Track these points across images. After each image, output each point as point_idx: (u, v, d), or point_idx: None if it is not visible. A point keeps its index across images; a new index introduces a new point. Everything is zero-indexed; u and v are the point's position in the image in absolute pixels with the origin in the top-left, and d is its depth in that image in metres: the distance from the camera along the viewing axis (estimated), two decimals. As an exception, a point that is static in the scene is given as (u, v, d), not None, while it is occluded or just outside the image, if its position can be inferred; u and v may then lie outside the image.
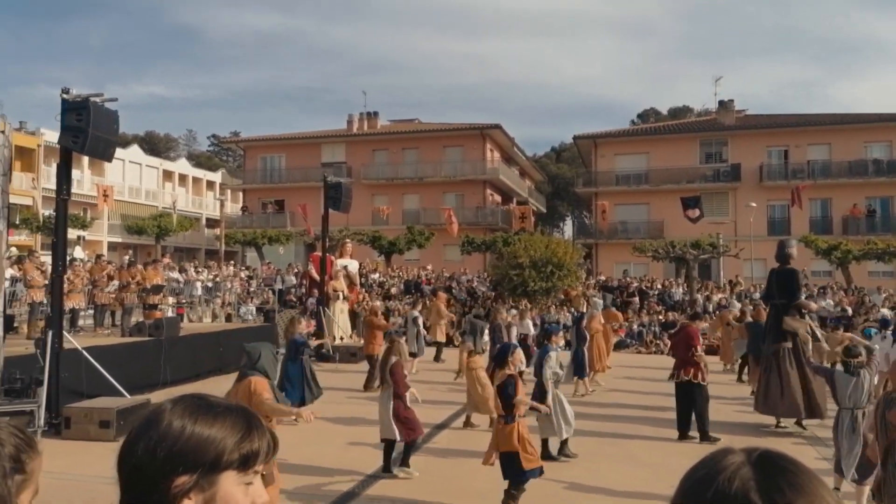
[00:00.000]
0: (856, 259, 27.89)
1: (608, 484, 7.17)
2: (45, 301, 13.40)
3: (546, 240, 25.07)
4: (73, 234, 29.93)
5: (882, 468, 4.69)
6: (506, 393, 6.29)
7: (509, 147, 45.83)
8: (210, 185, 54.96)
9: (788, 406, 9.74)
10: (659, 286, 26.09)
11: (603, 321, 14.18)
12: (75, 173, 42.25)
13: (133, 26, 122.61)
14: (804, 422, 10.08)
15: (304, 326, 11.40)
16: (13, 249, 20.72)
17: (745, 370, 14.26)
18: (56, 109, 9.21)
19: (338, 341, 17.57)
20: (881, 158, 36.34)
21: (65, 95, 9.25)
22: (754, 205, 32.58)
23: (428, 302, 17.88)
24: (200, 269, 27.49)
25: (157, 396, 9.43)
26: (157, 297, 15.72)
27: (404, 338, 16.27)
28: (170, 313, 16.94)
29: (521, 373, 7.69)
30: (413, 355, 15.33)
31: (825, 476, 6.30)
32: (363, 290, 23.90)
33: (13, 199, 30.54)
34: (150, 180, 49.50)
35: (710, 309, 22.40)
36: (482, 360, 10.09)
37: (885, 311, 20.46)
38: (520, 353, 7.31)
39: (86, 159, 37.58)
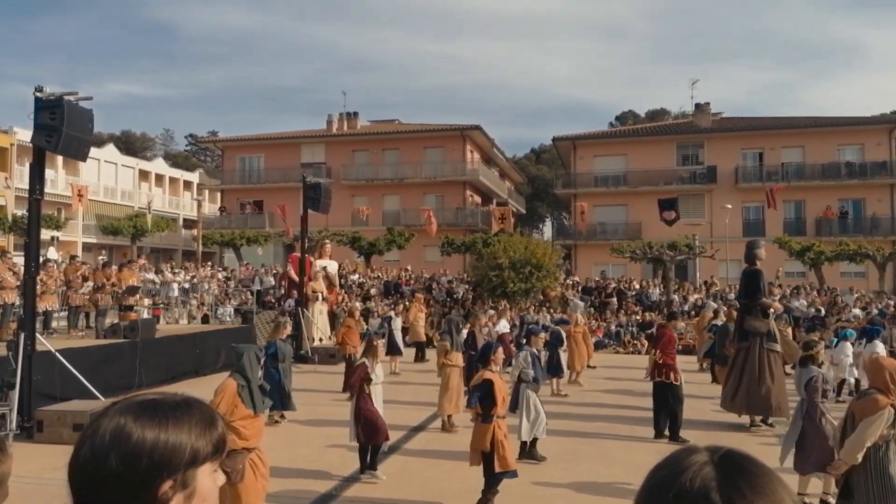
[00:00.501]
0: (828, 260, 28.41)
1: (584, 483, 7.23)
2: (17, 302, 13.18)
3: (525, 241, 25.19)
4: (46, 234, 29.43)
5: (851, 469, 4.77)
6: (482, 393, 6.32)
7: (489, 148, 45.97)
8: (187, 185, 54.39)
9: (753, 404, 9.90)
10: (636, 287, 26.35)
11: (582, 322, 14.32)
12: (49, 173, 41.59)
13: (108, 23, 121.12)
14: (770, 420, 10.26)
15: (287, 330, 11.34)
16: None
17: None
18: (29, 108, 9.08)
19: (317, 343, 17.51)
20: (853, 161, 37.05)
21: (38, 94, 9.11)
22: (730, 206, 33.05)
23: (408, 303, 17.90)
24: (177, 270, 27.22)
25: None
26: (132, 298, 15.53)
27: (383, 339, 16.36)
28: (145, 315, 16.76)
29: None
30: (392, 355, 15.36)
31: (790, 475, 6.42)
32: (342, 291, 23.82)
33: (-16, 199, 30.06)
34: (126, 180, 48.86)
35: (686, 309, 22.68)
36: (458, 358, 10.11)
37: (857, 311, 20.88)
38: (501, 353, 7.34)
39: (60, 158, 36.99)
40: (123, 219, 37.09)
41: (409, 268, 30.90)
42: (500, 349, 7.02)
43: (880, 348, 11.55)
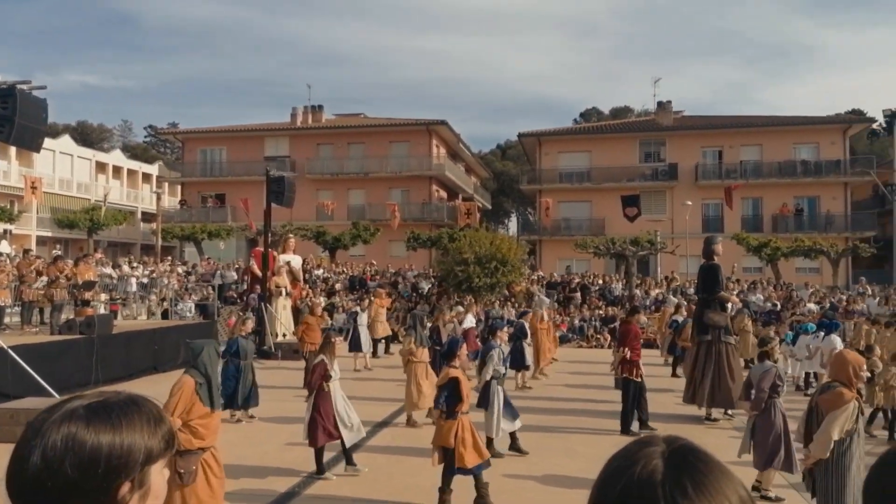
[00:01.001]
0: (784, 256, 29.18)
1: (550, 476, 7.31)
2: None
3: (491, 236, 25.28)
4: (-3, 227, 28.49)
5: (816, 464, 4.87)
6: (448, 392, 6.31)
7: (455, 143, 45.99)
8: (146, 177, 53.18)
9: (719, 398, 10.12)
10: (600, 282, 26.69)
11: (547, 319, 14.44)
12: (1, 164, 40.31)
13: (63, 11, 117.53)
14: (730, 412, 10.49)
15: (250, 326, 11.19)
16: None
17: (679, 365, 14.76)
18: (-22, 96, 8.76)
19: (280, 338, 17.33)
20: (808, 160, 38.09)
21: (-12, 82, 8.81)
22: (690, 203, 33.69)
23: (372, 298, 17.82)
24: (135, 265, 26.62)
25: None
26: (88, 293, 15.11)
27: (346, 335, 16.27)
28: (102, 310, 16.36)
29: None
30: (354, 352, 15.27)
31: (747, 468, 6.57)
32: (307, 286, 23.59)
33: (-69, 190, 28.94)
34: (83, 172, 47.54)
35: (648, 304, 23.06)
36: (424, 353, 10.10)
37: (812, 306, 21.50)
38: (465, 350, 7.35)
39: (13, 149, 35.80)
40: (79, 212, 36.01)
41: (374, 262, 30.76)
42: (465, 346, 7.04)
43: (838, 342, 11.90)
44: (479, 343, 12.93)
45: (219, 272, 26.46)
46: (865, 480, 1.12)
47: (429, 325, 12.64)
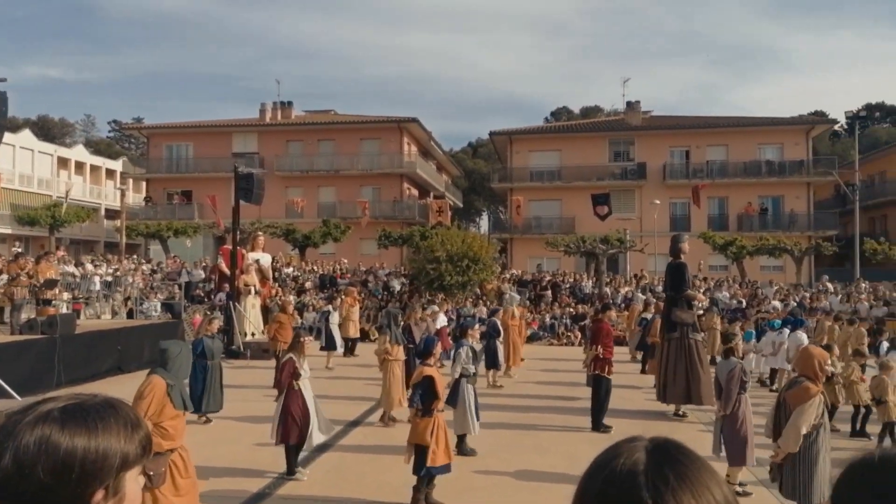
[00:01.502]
0: (749, 254, 29.76)
1: (521, 472, 7.32)
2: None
3: (462, 234, 25.28)
4: (-46, 224, 27.59)
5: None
6: (423, 390, 6.27)
7: (426, 141, 45.89)
8: (110, 173, 52.02)
9: (693, 394, 10.24)
10: (570, 280, 26.89)
11: (517, 314, 14.46)
12: (-43, 158, 39.10)
13: (23, 1, 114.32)
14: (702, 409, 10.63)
15: (216, 326, 10.99)
16: None
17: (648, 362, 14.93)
18: (-68, 88, 8.45)
19: (249, 337, 17.10)
20: (773, 160, 38.90)
21: (-57, 73, 8.49)
22: (658, 202, 34.14)
23: (343, 297, 17.66)
24: (99, 263, 26.02)
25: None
26: (50, 292, 14.69)
27: (317, 333, 16.11)
28: (65, 309, 15.93)
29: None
30: (327, 350, 15.16)
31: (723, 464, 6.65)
32: (276, 284, 23.32)
33: None
34: (44, 167, 46.31)
35: (618, 301, 23.29)
36: (399, 351, 10.04)
37: (776, 303, 21.93)
38: (439, 348, 7.32)
39: (-31, 143, 34.70)
40: (40, 208, 35.07)
41: (344, 261, 30.52)
42: (439, 344, 7.01)
43: (804, 338, 12.15)
44: (452, 342, 12.91)
45: (185, 270, 26.01)
46: (832, 493, 1.05)
47: (402, 323, 12.58)
